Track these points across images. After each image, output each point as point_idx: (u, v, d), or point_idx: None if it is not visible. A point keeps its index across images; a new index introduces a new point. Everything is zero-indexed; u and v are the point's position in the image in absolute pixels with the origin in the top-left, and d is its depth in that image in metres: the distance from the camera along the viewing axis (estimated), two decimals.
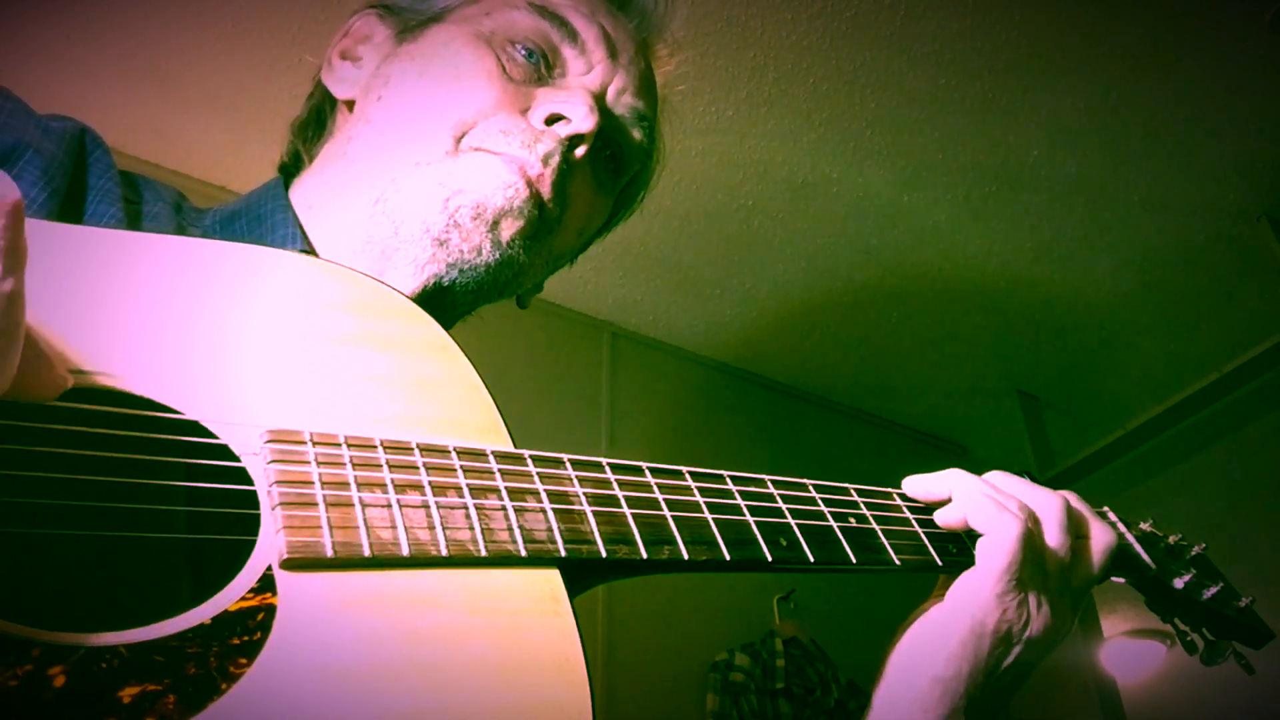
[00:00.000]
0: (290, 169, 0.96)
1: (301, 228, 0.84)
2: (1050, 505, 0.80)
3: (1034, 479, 0.86)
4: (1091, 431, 3.36)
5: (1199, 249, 2.89)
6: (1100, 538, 0.82)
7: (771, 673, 2.67)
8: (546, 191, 0.83)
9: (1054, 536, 0.78)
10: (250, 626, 0.48)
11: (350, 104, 0.92)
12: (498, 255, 0.82)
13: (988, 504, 0.76)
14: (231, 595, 0.49)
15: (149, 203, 0.83)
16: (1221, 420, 3.14)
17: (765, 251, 2.90)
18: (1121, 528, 0.91)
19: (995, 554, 0.73)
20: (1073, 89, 2.42)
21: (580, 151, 0.85)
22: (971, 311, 3.14)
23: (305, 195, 0.88)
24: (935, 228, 2.82)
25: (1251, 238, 2.82)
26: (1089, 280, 3.00)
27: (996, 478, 0.83)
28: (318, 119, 0.97)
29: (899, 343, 3.27)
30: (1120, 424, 3.12)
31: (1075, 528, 0.82)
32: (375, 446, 0.59)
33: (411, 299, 0.82)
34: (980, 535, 0.76)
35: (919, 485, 0.81)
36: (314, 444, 0.57)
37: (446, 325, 0.88)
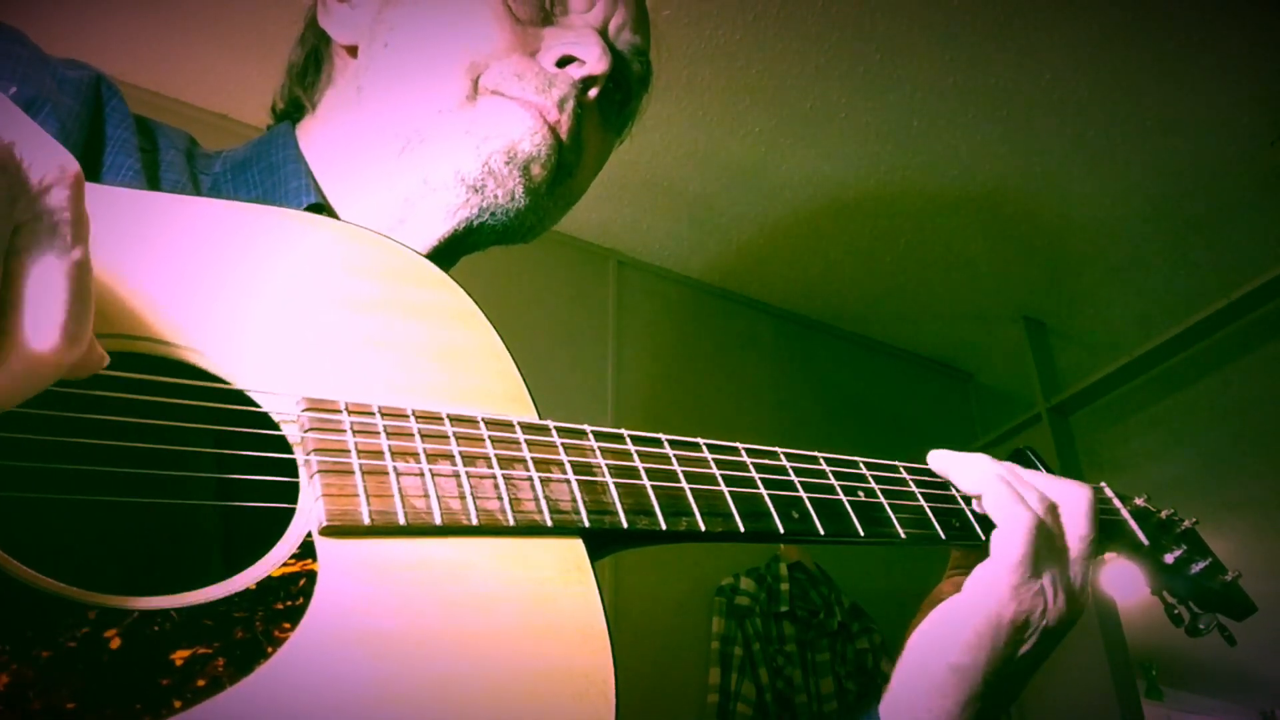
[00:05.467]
0: (290, 115, 0.95)
1: (314, 178, 0.84)
2: (1072, 496, 0.81)
3: (1041, 463, 0.88)
4: (1097, 358, 3.39)
5: (1211, 173, 2.88)
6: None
7: (776, 596, 2.73)
8: (565, 136, 0.84)
9: (1077, 527, 0.80)
10: (293, 592, 0.50)
11: (351, 49, 0.90)
12: (528, 200, 0.83)
13: (1004, 492, 0.78)
14: (274, 561, 0.51)
15: (164, 150, 0.83)
16: (1226, 347, 3.17)
17: (772, 178, 2.89)
18: (1117, 503, 0.94)
19: (1009, 547, 0.75)
20: (1087, 11, 2.40)
21: (593, 93, 0.86)
22: (980, 237, 3.15)
23: (315, 145, 0.88)
24: (945, 152, 2.81)
25: (1264, 161, 2.81)
26: (1099, 204, 3.00)
27: (1017, 468, 0.84)
28: (315, 63, 0.95)
29: (907, 269, 3.27)
30: (1126, 350, 3.15)
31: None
32: (407, 416, 0.60)
33: (438, 243, 0.83)
34: (995, 525, 0.78)
35: (943, 461, 0.83)
36: (349, 413, 0.58)
37: (455, 261, 0.89)
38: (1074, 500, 0.81)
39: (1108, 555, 0.89)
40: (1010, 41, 2.46)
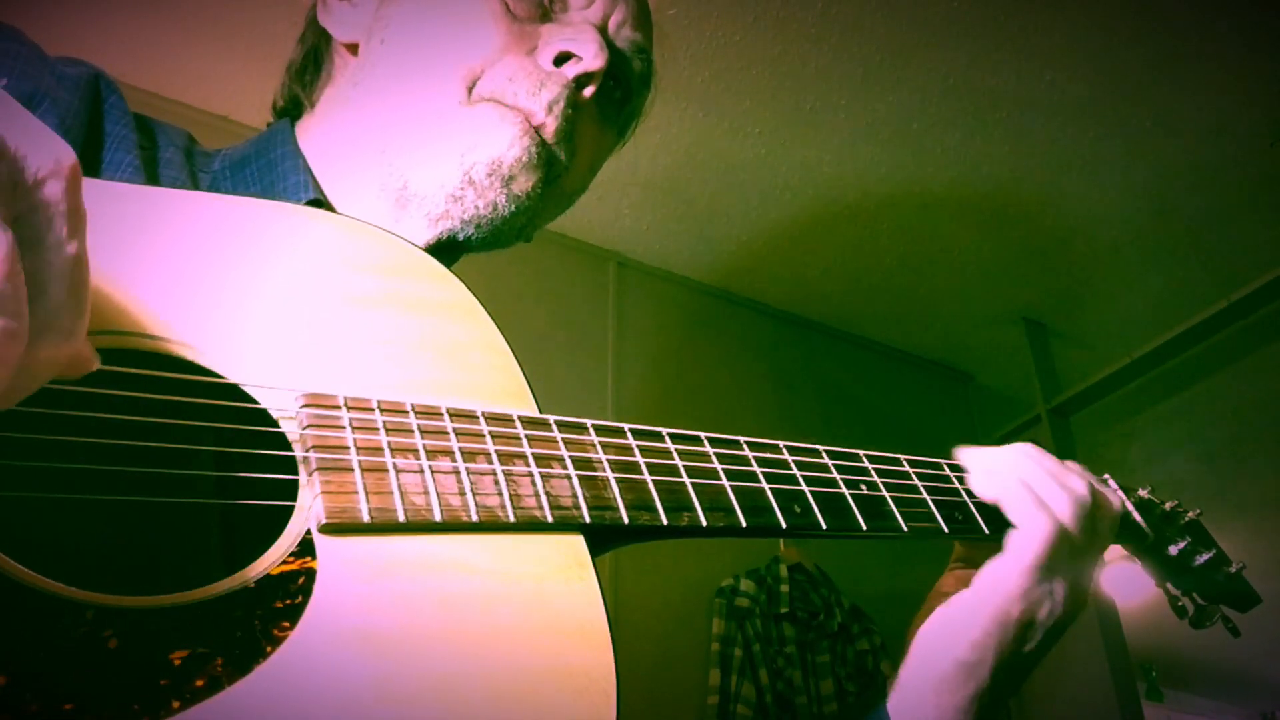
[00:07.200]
0: (289, 113, 0.94)
1: (313, 175, 0.84)
2: (1106, 508, 0.81)
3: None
4: (1097, 359, 3.39)
5: (1211, 173, 2.87)
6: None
7: (776, 598, 2.71)
8: (553, 138, 0.82)
9: (1100, 537, 0.80)
10: (292, 590, 0.50)
11: (351, 47, 0.90)
12: (512, 208, 0.82)
13: (1025, 496, 0.77)
14: (273, 559, 0.51)
15: (163, 148, 0.82)
16: (1226, 348, 3.17)
17: (771, 179, 2.89)
18: (1121, 495, 0.93)
19: (1026, 550, 0.75)
20: (1087, 12, 2.39)
21: (589, 91, 0.84)
22: (980, 238, 3.14)
23: (313, 142, 0.88)
24: (945, 153, 2.80)
25: (1264, 163, 2.81)
26: (1098, 206, 2.99)
27: (1055, 461, 0.83)
28: (314, 61, 0.95)
29: (907, 270, 3.27)
30: (1126, 351, 3.15)
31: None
32: (407, 411, 0.60)
33: (423, 249, 0.82)
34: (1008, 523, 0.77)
35: (971, 458, 0.83)
36: (348, 408, 0.58)
37: (453, 262, 0.89)
38: (1106, 511, 0.81)
39: (1110, 550, 0.89)
40: (1010, 42, 2.46)
